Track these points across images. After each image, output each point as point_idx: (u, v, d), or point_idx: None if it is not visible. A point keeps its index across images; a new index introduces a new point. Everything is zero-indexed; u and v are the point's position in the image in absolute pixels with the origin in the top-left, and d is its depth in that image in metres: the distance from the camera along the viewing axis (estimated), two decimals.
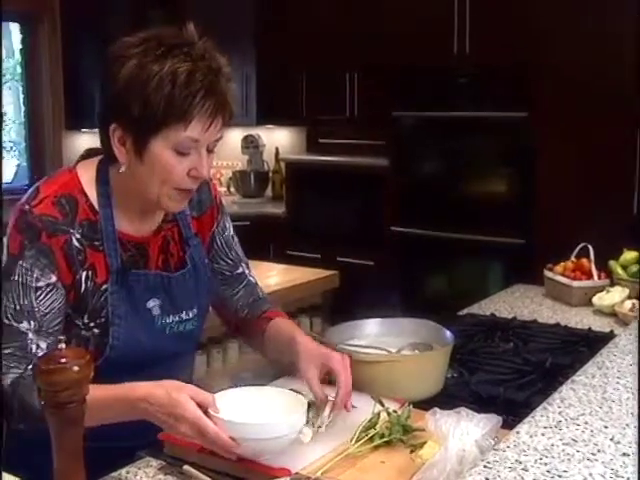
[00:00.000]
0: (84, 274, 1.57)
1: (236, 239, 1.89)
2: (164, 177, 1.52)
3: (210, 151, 1.56)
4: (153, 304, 1.65)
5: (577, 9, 4.24)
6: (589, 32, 4.21)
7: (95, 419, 1.39)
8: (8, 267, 1.53)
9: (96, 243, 1.58)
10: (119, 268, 1.59)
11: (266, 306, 1.90)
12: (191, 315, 1.71)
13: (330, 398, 1.61)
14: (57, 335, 1.53)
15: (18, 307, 1.51)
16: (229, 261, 1.86)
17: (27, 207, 1.53)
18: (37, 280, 1.52)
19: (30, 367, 1.50)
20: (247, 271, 1.91)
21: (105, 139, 1.55)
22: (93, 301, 1.58)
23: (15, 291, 1.51)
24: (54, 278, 1.53)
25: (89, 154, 1.68)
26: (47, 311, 1.53)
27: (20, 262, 1.51)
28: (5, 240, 1.55)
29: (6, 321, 1.51)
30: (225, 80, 1.53)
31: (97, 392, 1.40)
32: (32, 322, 1.51)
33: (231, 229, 1.88)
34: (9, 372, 1.50)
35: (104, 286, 1.59)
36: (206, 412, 1.40)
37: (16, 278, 1.51)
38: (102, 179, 1.61)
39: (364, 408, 1.59)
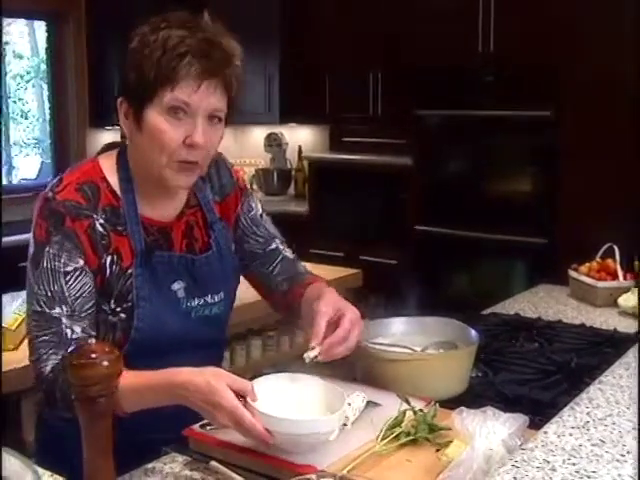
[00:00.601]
0: (109, 258, 1.58)
1: (266, 217, 1.88)
2: (161, 145, 1.53)
3: (219, 118, 1.56)
4: (178, 286, 1.65)
5: (602, 8, 4.22)
6: (613, 31, 4.19)
7: (136, 404, 1.42)
8: (36, 254, 1.55)
9: (119, 228, 1.60)
10: (143, 250, 1.60)
11: (307, 276, 1.87)
12: (217, 299, 1.72)
13: (357, 394, 1.61)
14: (90, 319, 1.56)
15: (49, 293, 1.52)
16: (259, 239, 1.85)
17: (50, 194, 1.56)
18: (65, 265, 1.53)
19: (68, 352, 1.51)
20: (282, 247, 1.88)
21: (117, 116, 1.59)
22: (119, 285, 1.59)
23: (45, 277, 1.53)
24: (81, 262, 1.55)
25: (109, 147, 1.71)
26: (78, 295, 1.54)
27: (47, 248, 1.53)
28: (32, 230, 1.56)
29: (39, 308, 1.53)
30: (222, 50, 1.54)
31: (138, 378, 1.41)
32: (64, 307, 1.52)
33: (259, 208, 1.87)
34: (49, 359, 1.52)
35: (129, 270, 1.60)
36: (245, 399, 1.40)
37: (45, 264, 1.53)
38: (122, 165, 1.63)
39: (390, 406, 1.59)
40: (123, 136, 1.63)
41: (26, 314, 1.58)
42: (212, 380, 1.39)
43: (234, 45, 1.57)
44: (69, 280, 1.53)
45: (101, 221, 1.57)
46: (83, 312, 1.54)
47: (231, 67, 1.55)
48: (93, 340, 1.19)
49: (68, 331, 1.52)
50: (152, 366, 1.47)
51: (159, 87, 1.49)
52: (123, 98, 1.56)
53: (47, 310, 1.52)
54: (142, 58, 1.50)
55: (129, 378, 1.41)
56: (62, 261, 1.53)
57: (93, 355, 1.14)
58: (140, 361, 1.47)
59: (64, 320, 1.52)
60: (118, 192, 1.61)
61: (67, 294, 1.53)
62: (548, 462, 1.26)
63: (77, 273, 1.54)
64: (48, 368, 1.51)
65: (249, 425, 1.37)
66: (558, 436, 1.37)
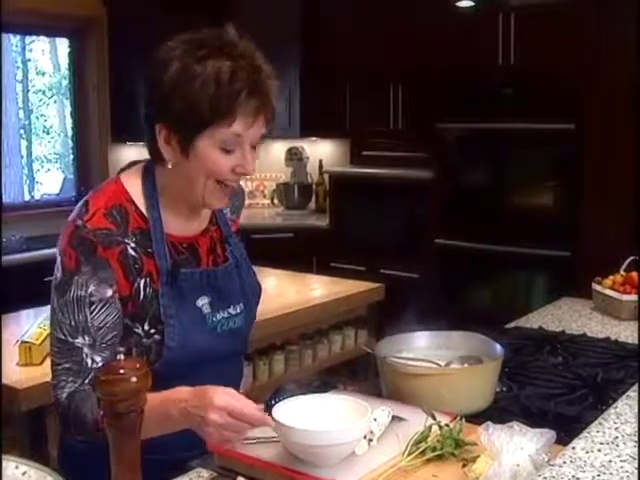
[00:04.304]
0: (142, 282, 1.59)
1: None
2: (209, 172, 1.56)
3: (253, 147, 1.59)
4: (202, 302, 1.66)
5: (623, 19, 4.21)
6: (634, 43, 4.17)
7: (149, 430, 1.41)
8: (63, 283, 1.54)
9: (149, 250, 1.60)
10: (169, 269, 1.61)
11: None
12: (239, 310, 1.73)
13: (382, 409, 1.61)
14: (112, 349, 1.56)
15: (73, 323, 1.53)
16: None
17: (80, 222, 1.54)
18: (91, 295, 1.54)
19: (87, 381, 1.53)
20: None
21: (151, 138, 1.59)
22: (153, 307, 1.59)
23: (70, 307, 1.53)
24: (110, 292, 1.55)
25: (131, 166, 1.71)
26: (101, 326, 1.54)
27: (76, 277, 1.53)
28: (59, 258, 1.56)
29: (62, 336, 1.54)
30: (267, 78, 1.56)
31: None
32: (86, 337, 1.53)
33: None
34: (65, 386, 1.53)
35: (160, 290, 1.61)
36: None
37: (71, 293, 1.53)
38: (148, 183, 1.63)
39: (415, 421, 1.58)
40: (149, 142, 1.62)
41: (49, 338, 1.60)
42: (209, 388, 1.43)
43: (264, 60, 1.59)
44: (94, 310, 1.54)
45: (132, 245, 1.58)
46: (104, 343, 1.55)
47: (273, 90, 1.58)
48: (122, 356, 1.19)
49: (89, 360, 1.54)
50: (179, 383, 1.49)
51: (216, 122, 1.51)
52: (163, 125, 1.55)
53: (70, 339, 1.54)
54: (193, 91, 1.49)
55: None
56: (89, 291, 1.53)
57: (122, 371, 1.14)
58: (167, 377, 1.48)
59: (85, 350, 1.53)
60: (145, 213, 1.62)
61: (90, 324, 1.54)
62: (577, 478, 1.25)
63: (102, 304, 1.54)
64: (64, 395, 1.53)
65: (241, 411, 1.40)
66: (587, 452, 1.36)
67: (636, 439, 1.42)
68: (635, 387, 1.74)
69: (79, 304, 1.53)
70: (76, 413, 1.50)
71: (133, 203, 1.61)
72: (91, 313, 1.53)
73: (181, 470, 1.53)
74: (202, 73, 1.49)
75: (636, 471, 1.27)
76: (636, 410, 1.57)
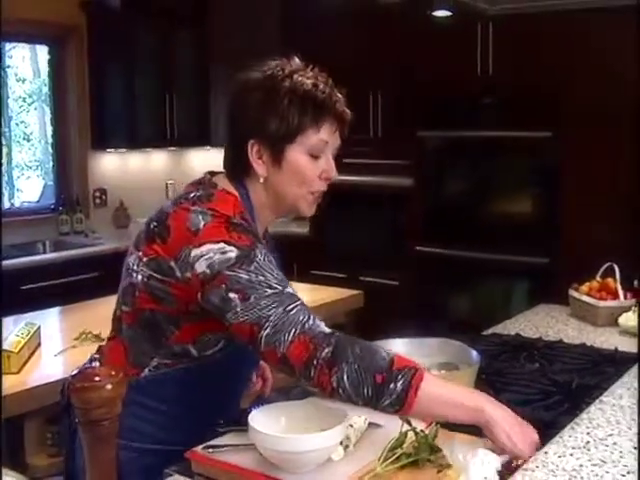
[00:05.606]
0: None
1: None
2: (301, 180, 1.68)
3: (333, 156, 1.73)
4: None
5: (600, 29, 4.24)
6: (612, 52, 4.21)
7: (431, 410, 1.48)
8: (244, 257, 1.53)
9: None
10: None
11: None
12: None
13: (359, 415, 1.62)
14: None
15: (278, 276, 1.54)
16: None
17: (230, 214, 1.59)
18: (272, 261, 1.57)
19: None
20: None
21: (241, 156, 1.68)
22: None
23: (266, 267, 1.54)
24: None
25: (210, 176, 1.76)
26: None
27: (256, 250, 1.55)
28: (224, 245, 1.53)
29: (272, 290, 1.51)
30: (339, 91, 1.74)
31: (446, 387, 1.48)
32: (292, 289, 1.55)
33: None
34: (316, 319, 1.52)
35: None
36: None
37: (261, 257, 1.54)
38: (244, 197, 1.70)
39: (391, 427, 1.59)
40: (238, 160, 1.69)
41: (254, 305, 1.50)
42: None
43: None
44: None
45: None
46: None
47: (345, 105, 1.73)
48: (97, 364, 1.19)
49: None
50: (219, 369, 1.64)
51: (304, 129, 1.64)
52: (255, 141, 1.66)
53: (284, 289, 1.52)
54: (282, 107, 1.63)
55: (437, 385, 1.47)
56: (271, 258, 1.57)
57: (96, 378, 1.14)
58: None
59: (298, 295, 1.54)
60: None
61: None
62: None
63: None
64: (325, 328, 1.51)
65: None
66: (559, 456, 1.37)
67: (606, 443, 1.44)
68: (607, 392, 1.76)
69: (272, 264, 1.56)
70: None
71: (247, 213, 1.68)
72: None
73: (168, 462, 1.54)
74: (288, 89, 1.65)
75: (606, 474, 1.29)
76: (608, 414, 1.60)
